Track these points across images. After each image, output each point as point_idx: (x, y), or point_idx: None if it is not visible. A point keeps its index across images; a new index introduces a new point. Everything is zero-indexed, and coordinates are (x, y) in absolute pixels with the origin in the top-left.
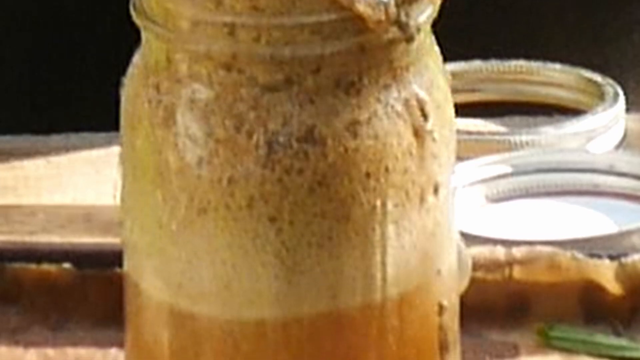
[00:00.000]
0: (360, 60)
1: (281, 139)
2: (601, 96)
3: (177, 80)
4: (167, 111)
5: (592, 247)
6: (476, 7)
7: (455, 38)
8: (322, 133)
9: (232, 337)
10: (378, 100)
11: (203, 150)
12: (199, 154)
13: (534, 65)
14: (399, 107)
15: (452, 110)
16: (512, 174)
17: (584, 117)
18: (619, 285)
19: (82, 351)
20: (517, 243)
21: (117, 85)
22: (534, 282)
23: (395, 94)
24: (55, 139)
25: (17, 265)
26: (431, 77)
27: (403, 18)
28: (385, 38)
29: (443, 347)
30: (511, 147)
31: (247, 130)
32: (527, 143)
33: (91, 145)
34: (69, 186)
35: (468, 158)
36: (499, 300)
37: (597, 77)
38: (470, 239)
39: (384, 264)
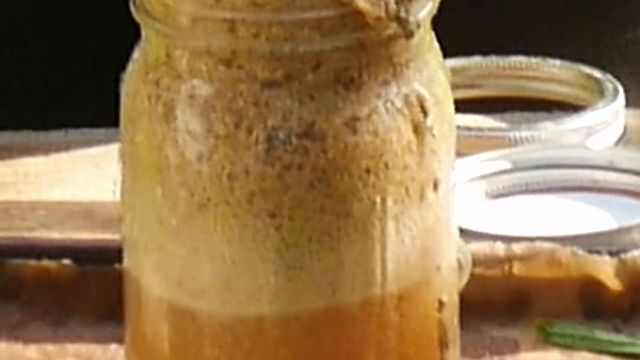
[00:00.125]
0: (360, 56)
1: (281, 135)
2: (601, 92)
3: (177, 76)
4: (166, 107)
5: (592, 243)
6: (476, 3)
7: (455, 34)
8: (322, 129)
9: (232, 332)
10: (378, 96)
11: (203, 146)
12: (198, 149)
13: (534, 61)
14: (399, 103)
15: (452, 106)
16: (511, 170)
17: (583, 113)
18: (618, 281)
19: (82, 347)
20: (517, 239)
21: (117, 81)
22: (534, 278)
23: (395, 90)
24: (55, 135)
25: (17, 261)
26: (431, 73)
27: (403, 14)
28: (385, 34)
29: (443, 343)
30: (511, 143)
31: (247, 126)
32: (526, 139)
33: (91, 141)
34: (69, 182)
35: (468, 154)
36: (498, 296)
37: (597, 73)
38: (470, 235)
39: (383, 260)
